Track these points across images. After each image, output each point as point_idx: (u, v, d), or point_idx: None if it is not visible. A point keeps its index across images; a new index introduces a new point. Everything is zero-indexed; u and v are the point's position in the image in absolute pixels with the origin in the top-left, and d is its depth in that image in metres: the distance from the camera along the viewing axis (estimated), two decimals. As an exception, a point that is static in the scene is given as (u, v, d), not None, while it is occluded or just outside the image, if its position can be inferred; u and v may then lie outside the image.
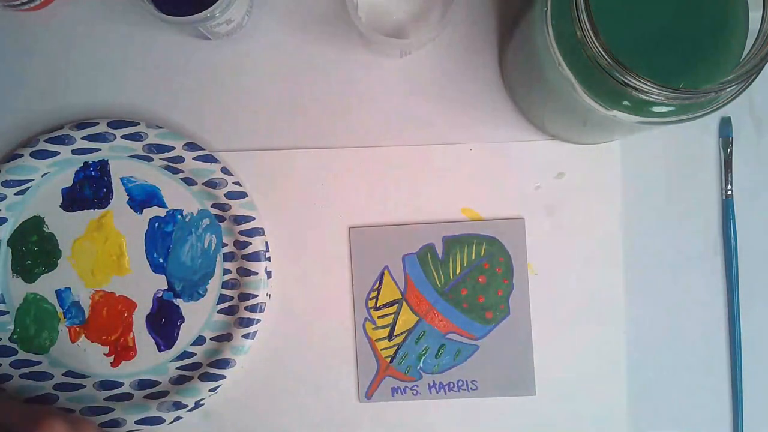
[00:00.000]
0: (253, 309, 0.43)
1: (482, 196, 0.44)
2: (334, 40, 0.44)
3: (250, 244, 0.43)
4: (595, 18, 0.29)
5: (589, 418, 0.44)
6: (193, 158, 0.43)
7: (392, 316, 0.44)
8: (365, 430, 0.44)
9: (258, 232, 0.43)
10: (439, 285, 0.44)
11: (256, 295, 0.43)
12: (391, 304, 0.44)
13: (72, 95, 0.44)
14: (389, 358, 0.44)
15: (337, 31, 0.43)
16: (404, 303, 0.44)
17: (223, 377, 0.43)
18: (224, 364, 0.43)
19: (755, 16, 0.30)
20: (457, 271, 0.44)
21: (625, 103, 0.31)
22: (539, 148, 0.44)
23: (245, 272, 0.43)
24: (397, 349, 0.44)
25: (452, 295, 0.44)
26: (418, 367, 0.44)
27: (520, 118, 0.44)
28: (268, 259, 0.43)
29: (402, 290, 0.44)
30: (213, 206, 0.44)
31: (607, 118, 0.33)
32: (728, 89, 0.29)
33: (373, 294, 0.44)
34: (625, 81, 0.29)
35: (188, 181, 0.43)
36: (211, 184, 0.43)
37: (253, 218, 0.43)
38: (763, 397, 0.44)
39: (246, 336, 0.43)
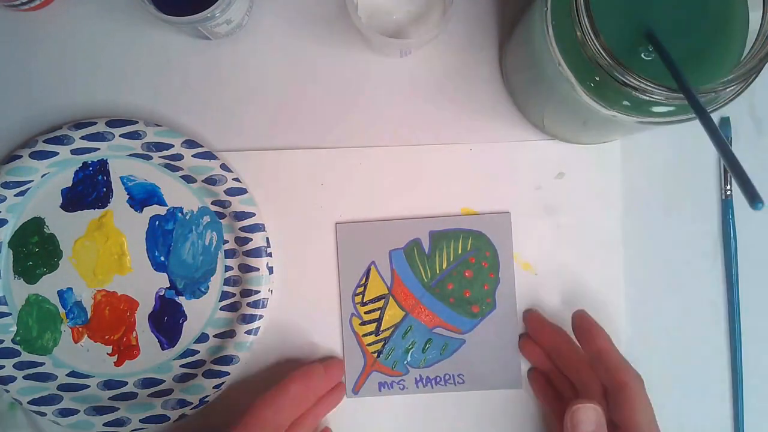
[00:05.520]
0: (255, 305, 0.43)
1: (482, 196, 0.44)
2: (334, 40, 0.43)
3: (251, 240, 0.43)
4: (595, 18, 0.29)
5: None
6: (192, 155, 0.43)
7: (379, 311, 0.44)
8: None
9: (259, 228, 0.43)
10: (425, 280, 0.44)
11: (258, 291, 0.43)
12: (378, 299, 0.44)
13: (71, 95, 0.44)
14: (376, 353, 0.44)
15: (337, 31, 0.43)
16: (391, 298, 0.44)
17: (227, 374, 0.43)
18: (228, 360, 0.43)
19: (755, 17, 0.30)
20: (444, 266, 0.44)
21: (625, 103, 0.31)
22: (539, 148, 0.44)
23: (247, 268, 0.43)
24: (384, 344, 0.44)
25: (439, 289, 0.44)
26: (405, 362, 0.44)
27: (520, 118, 0.44)
28: (270, 254, 0.43)
29: (389, 285, 0.44)
30: (213, 203, 0.44)
31: (607, 118, 0.33)
32: (728, 89, 0.29)
33: (360, 289, 0.44)
34: (625, 81, 0.29)
35: (188, 179, 0.43)
36: (211, 181, 0.43)
37: (254, 214, 0.43)
38: (763, 397, 0.44)
39: (249, 332, 0.43)
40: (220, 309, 0.44)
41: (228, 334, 0.44)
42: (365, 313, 0.44)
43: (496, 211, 0.44)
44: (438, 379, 0.44)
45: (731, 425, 0.44)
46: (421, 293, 0.44)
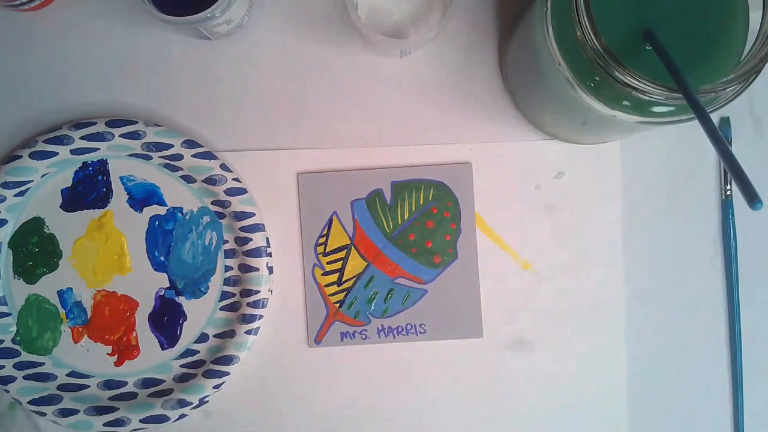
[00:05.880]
0: (255, 305, 0.43)
1: (482, 196, 0.44)
2: (334, 40, 0.43)
3: (251, 240, 0.43)
4: (595, 18, 0.29)
5: (590, 418, 0.44)
6: (192, 155, 0.43)
7: (341, 261, 0.44)
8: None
9: (258, 228, 0.43)
10: (387, 230, 0.44)
11: (258, 291, 0.43)
12: (340, 249, 0.44)
13: (71, 95, 0.44)
14: (338, 303, 0.44)
15: (337, 31, 0.43)
16: (353, 248, 0.44)
17: (227, 374, 0.43)
18: (227, 360, 0.43)
19: (755, 17, 0.30)
20: (406, 216, 0.44)
21: (625, 103, 0.31)
22: (539, 148, 0.44)
23: (247, 268, 0.43)
24: (346, 294, 0.44)
25: (401, 240, 0.44)
26: (367, 312, 0.44)
27: (520, 118, 0.44)
28: (269, 254, 0.43)
29: (351, 236, 0.44)
30: (213, 203, 0.44)
31: (607, 118, 0.33)
32: (728, 89, 0.29)
33: (322, 240, 0.44)
34: (625, 81, 0.29)
35: (188, 179, 0.44)
36: (211, 181, 0.43)
37: (253, 214, 0.43)
38: (763, 397, 0.44)
39: (249, 332, 0.43)
40: (220, 309, 0.44)
41: (228, 334, 0.44)
42: (327, 263, 0.44)
43: (458, 162, 0.44)
44: (400, 329, 0.44)
45: (731, 425, 0.44)
46: (383, 243, 0.44)
